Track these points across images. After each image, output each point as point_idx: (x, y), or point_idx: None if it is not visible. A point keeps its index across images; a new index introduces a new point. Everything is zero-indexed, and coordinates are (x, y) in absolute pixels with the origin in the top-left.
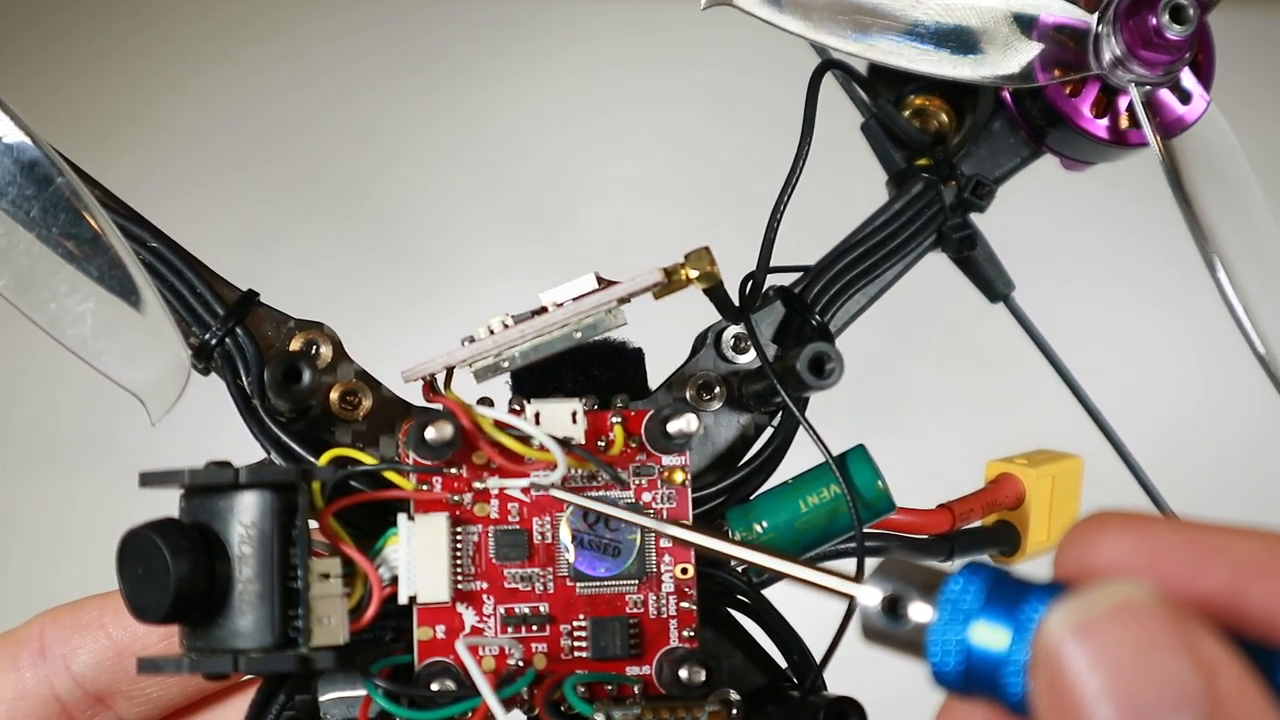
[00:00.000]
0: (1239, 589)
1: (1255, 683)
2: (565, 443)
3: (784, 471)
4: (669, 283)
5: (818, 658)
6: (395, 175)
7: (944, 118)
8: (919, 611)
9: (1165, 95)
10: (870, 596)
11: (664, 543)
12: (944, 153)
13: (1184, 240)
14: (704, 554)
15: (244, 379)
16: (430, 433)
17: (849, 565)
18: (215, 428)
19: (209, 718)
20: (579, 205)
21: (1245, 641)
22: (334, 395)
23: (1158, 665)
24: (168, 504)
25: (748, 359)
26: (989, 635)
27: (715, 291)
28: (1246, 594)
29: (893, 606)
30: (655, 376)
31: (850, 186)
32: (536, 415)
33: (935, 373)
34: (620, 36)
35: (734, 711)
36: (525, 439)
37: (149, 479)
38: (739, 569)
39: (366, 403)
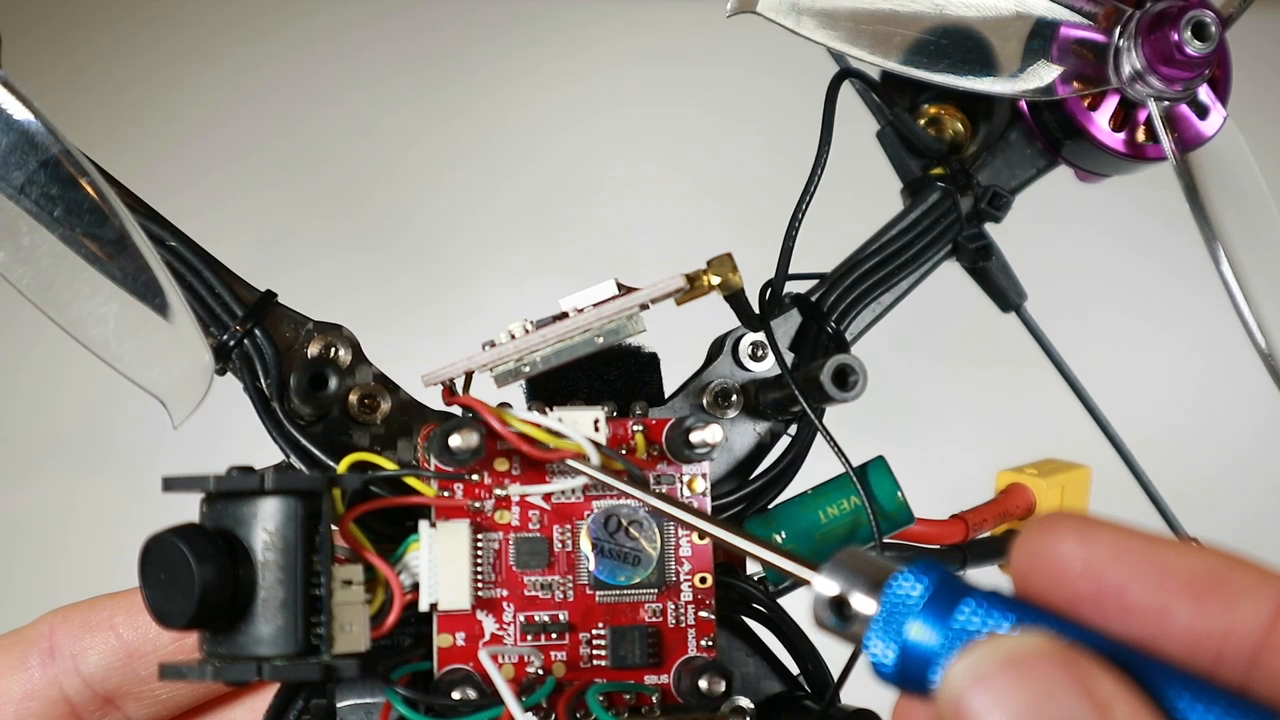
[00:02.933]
0: (1166, 606)
1: (1150, 713)
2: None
3: (800, 478)
4: (691, 289)
5: (830, 666)
6: (409, 177)
7: (959, 125)
8: (863, 604)
9: (1183, 110)
10: (824, 585)
11: (683, 552)
12: (960, 162)
13: (1195, 255)
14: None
15: (262, 381)
16: (455, 440)
17: None
18: (217, 428)
19: (217, 719)
20: (592, 210)
21: (1161, 666)
22: (352, 398)
23: (1054, 709)
24: (171, 503)
25: (765, 367)
26: (922, 634)
27: (736, 299)
28: (1172, 612)
29: (840, 607)
30: (667, 379)
31: (866, 193)
32: (559, 421)
33: (946, 381)
34: (636, 38)
35: (746, 719)
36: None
37: (173, 484)
38: (756, 577)
39: (385, 406)
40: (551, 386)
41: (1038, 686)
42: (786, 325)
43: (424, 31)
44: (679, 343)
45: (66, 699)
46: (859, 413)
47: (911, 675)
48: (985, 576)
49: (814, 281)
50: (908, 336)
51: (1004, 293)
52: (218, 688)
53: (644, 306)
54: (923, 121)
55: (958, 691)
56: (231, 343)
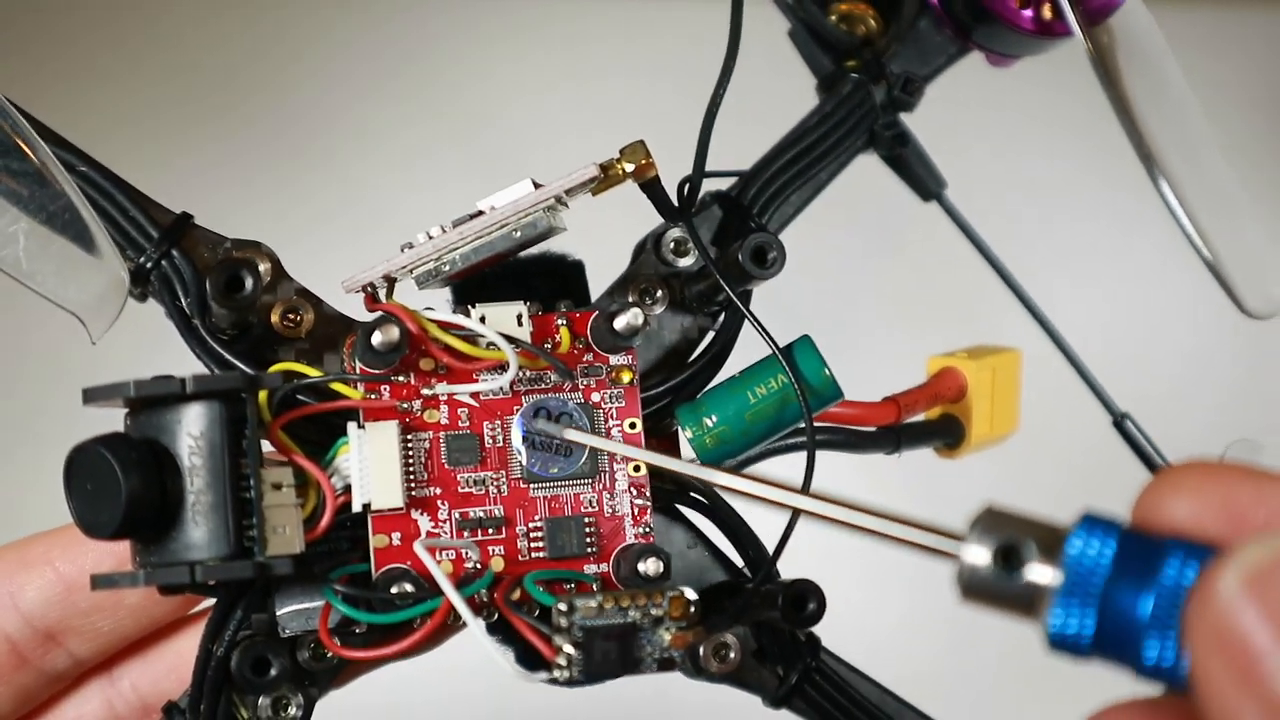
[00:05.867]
0: None
1: None
2: (512, 341)
3: (729, 370)
4: (605, 177)
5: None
6: (327, 95)
7: (871, 22)
8: (1037, 572)
9: None
10: (976, 555)
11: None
12: (872, 53)
13: (1112, 135)
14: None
15: (183, 300)
16: (377, 337)
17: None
18: None
19: (163, 650)
20: (514, 120)
21: None
22: (275, 315)
23: None
24: None
25: (688, 262)
26: (1127, 600)
27: (652, 186)
28: None
29: (1007, 557)
30: (597, 292)
31: (787, 94)
32: (482, 318)
33: (873, 278)
34: None
35: (692, 610)
36: (472, 339)
37: (93, 394)
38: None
39: (309, 319)
40: (476, 294)
41: None
42: (709, 223)
43: None
44: (613, 257)
45: (7, 637)
46: (787, 315)
47: (1114, 643)
48: (919, 458)
49: (735, 180)
50: (832, 236)
51: (923, 181)
52: (160, 617)
53: (559, 199)
54: (834, 19)
55: (1229, 595)
56: (149, 265)
